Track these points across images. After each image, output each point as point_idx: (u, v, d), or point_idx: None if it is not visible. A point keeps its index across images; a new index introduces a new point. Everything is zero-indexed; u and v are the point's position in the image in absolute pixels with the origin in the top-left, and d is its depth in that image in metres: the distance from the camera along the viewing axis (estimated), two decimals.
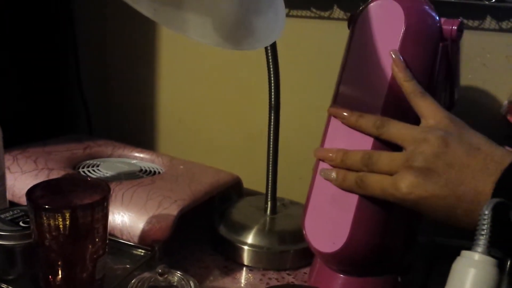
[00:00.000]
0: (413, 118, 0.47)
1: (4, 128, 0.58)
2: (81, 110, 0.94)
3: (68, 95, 0.95)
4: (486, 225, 0.35)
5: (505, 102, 0.64)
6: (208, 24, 0.45)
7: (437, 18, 0.50)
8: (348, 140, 0.49)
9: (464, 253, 0.36)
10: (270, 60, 0.60)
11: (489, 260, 0.35)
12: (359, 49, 0.51)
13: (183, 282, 0.49)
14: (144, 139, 0.93)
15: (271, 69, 0.61)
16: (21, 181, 0.64)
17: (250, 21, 0.43)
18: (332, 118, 0.52)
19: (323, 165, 0.51)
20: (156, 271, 0.48)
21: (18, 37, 0.82)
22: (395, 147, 0.46)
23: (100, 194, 0.47)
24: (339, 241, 0.49)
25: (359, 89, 0.50)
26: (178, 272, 0.49)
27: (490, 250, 0.35)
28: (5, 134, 0.58)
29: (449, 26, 0.49)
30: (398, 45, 0.48)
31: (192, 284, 0.49)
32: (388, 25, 0.49)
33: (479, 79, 0.66)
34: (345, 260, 0.51)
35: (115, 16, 0.91)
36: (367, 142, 0.48)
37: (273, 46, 0.60)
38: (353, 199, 0.48)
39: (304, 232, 0.53)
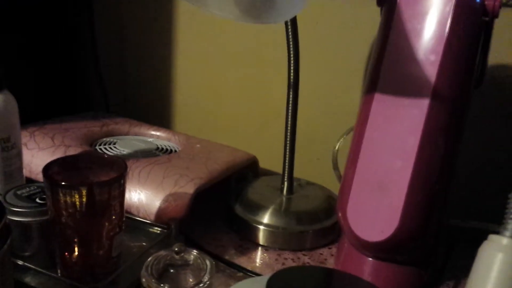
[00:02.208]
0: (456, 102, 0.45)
1: (21, 105, 0.58)
2: (97, 87, 0.94)
3: (85, 73, 0.95)
4: None
5: None
6: None
7: None
8: (395, 123, 0.48)
9: (492, 237, 0.35)
10: (290, 36, 0.59)
11: None
12: (405, 26, 0.49)
13: (199, 261, 0.49)
14: (161, 117, 0.93)
15: (291, 46, 0.59)
16: (38, 157, 0.64)
17: None
18: (375, 101, 0.50)
19: (366, 148, 0.50)
20: (173, 249, 0.48)
21: (35, 15, 0.82)
22: (445, 136, 0.44)
23: (117, 172, 0.47)
24: (388, 228, 0.47)
25: (406, 72, 0.48)
26: (194, 250, 0.49)
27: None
28: (23, 111, 0.58)
29: (492, 2, 0.48)
30: (448, 23, 0.47)
31: (208, 262, 0.48)
32: (437, 2, 0.47)
33: (507, 58, 0.64)
34: (389, 248, 0.49)
35: None
36: (417, 129, 0.46)
37: (294, 21, 0.58)
38: (404, 184, 0.47)
39: (345, 221, 0.51)
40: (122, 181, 0.46)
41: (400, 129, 0.47)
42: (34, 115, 0.74)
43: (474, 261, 0.35)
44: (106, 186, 0.45)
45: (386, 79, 0.49)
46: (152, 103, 0.94)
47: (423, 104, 0.46)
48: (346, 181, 0.51)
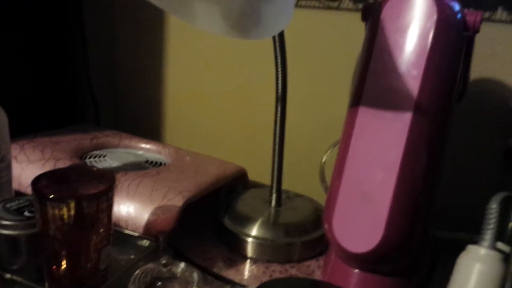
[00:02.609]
0: (438, 115, 0.46)
1: (12, 119, 0.58)
2: (89, 101, 0.94)
3: (77, 86, 0.95)
4: (493, 219, 0.34)
5: None
6: (215, 12, 0.44)
7: (460, 8, 0.50)
8: (379, 137, 0.49)
9: (470, 247, 0.36)
10: (278, 51, 0.60)
11: (495, 255, 0.34)
12: (388, 41, 0.50)
13: (186, 273, 0.49)
14: (152, 130, 0.94)
15: (279, 60, 0.60)
16: (28, 170, 0.64)
17: (258, 9, 0.42)
18: (360, 114, 0.51)
19: (351, 161, 0.50)
20: (160, 262, 0.48)
21: (27, 28, 0.82)
22: (427, 148, 0.45)
23: (106, 184, 0.47)
24: (373, 240, 0.48)
25: (389, 86, 0.49)
26: (182, 263, 0.50)
27: (496, 245, 0.35)
28: (14, 124, 0.59)
29: (473, 17, 0.50)
30: (430, 38, 0.48)
31: (195, 275, 0.49)
32: (419, 18, 0.49)
33: (489, 71, 0.66)
34: (375, 259, 0.50)
35: (123, 7, 0.91)
36: (400, 142, 0.47)
37: (281, 36, 0.59)
38: (388, 196, 0.47)
39: (330, 232, 0.51)
40: (110, 194, 0.47)
41: (384, 141, 0.48)
42: (25, 128, 0.74)
43: (453, 271, 0.36)
44: (94, 199, 0.45)
45: (370, 93, 0.50)
46: (143, 116, 0.95)
47: (406, 117, 0.47)
48: (332, 192, 0.52)
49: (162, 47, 0.89)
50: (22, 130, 0.74)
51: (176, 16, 0.45)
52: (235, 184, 0.73)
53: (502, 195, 0.35)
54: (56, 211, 0.44)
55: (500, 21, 0.64)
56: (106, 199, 0.46)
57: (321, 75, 0.76)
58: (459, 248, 0.52)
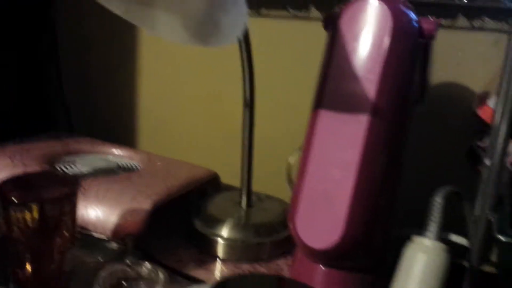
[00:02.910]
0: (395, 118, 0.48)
1: None
2: (61, 108, 0.95)
3: (49, 94, 0.95)
4: (437, 212, 0.36)
5: (476, 98, 0.65)
6: (176, 21, 0.46)
7: (415, 17, 0.52)
8: (339, 138, 0.51)
9: (415, 239, 0.37)
10: (245, 59, 0.61)
11: (440, 246, 0.36)
12: (346, 47, 0.52)
13: (152, 273, 0.50)
14: (126, 138, 0.94)
15: (245, 68, 0.62)
16: None
17: (216, 18, 0.44)
18: (321, 117, 0.52)
19: (313, 162, 0.52)
20: (125, 262, 0.49)
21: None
22: (383, 146, 0.46)
23: (69, 188, 0.48)
24: (333, 237, 0.49)
25: (348, 90, 0.51)
26: (147, 263, 0.50)
27: (441, 236, 0.36)
28: None
29: (428, 25, 0.52)
30: (387, 44, 0.49)
31: (161, 275, 0.49)
32: (374, 25, 0.50)
33: (452, 77, 0.68)
34: (337, 256, 0.51)
35: (94, 16, 0.92)
36: (357, 143, 0.49)
37: (247, 45, 0.60)
38: (346, 195, 0.49)
39: (294, 229, 0.53)
40: (73, 198, 0.47)
41: (343, 143, 0.49)
42: None
43: (399, 261, 0.37)
44: (57, 203, 0.46)
45: (330, 97, 0.52)
46: (116, 123, 0.96)
47: (363, 120, 0.49)
48: (295, 192, 0.53)
49: (134, 54, 0.90)
50: None
51: (138, 25, 0.47)
52: (207, 187, 0.74)
53: (446, 189, 0.36)
54: (19, 215, 0.45)
55: (462, 28, 0.66)
56: (69, 202, 0.47)
57: (289, 82, 0.78)
58: None
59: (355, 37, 0.51)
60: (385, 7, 0.50)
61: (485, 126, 0.58)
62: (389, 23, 0.50)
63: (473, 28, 0.65)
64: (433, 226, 0.36)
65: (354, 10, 0.52)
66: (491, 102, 0.60)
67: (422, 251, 0.36)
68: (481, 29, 0.65)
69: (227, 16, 0.45)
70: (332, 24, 0.54)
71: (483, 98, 0.62)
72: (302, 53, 0.76)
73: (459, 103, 0.68)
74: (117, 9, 0.46)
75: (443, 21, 0.67)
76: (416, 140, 0.68)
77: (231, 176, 0.81)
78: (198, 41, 0.47)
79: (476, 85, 0.67)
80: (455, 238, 0.48)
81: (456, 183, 0.68)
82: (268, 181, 0.80)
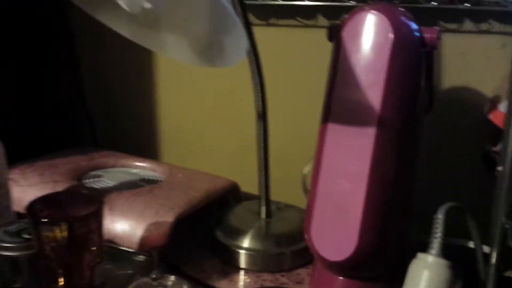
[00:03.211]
0: (403, 128, 0.49)
1: (12, 145, 0.62)
2: (86, 124, 0.98)
3: (75, 110, 0.99)
4: (439, 228, 0.37)
5: (488, 103, 0.65)
6: (183, 44, 0.48)
7: (417, 26, 0.53)
8: (347, 150, 0.52)
9: (420, 255, 0.38)
10: (255, 72, 0.63)
11: (442, 262, 0.37)
12: (349, 60, 0.53)
13: (176, 286, 0.52)
14: (147, 148, 0.97)
15: (256, 81, 0.63)
16: (28, 194, 0.67)
17: (220, 40, 0.46)
18: (329, 130, 0.54)
19: (324, 174, 0.53)
20: (150, 276, 0.51)
21: (22, 55, 0.86)
22: (393, 156, 0.47)
23: (95, 206, 0.50)
24: (348, 248, 0.50)
25: (354, 102, 0.52)
26: (172, 276, 0.52)
27: (444, 252, 0.37)
28: (13, 150, 0.62)
29: (429, 34, 0.52)
30: (388, 55, 0.50)
31: (185, 287, 0.52)
32: (376, 37, 0.51)
33: (461, 81, 0.68)
34: (353, 266, 0.52)
35: (113, 31, 0.94)
36: (367, 152, 0.50)
37: (257, 59, 0.62)
38: (359, 206, 0.50)
39: (310, 242, 0.54)
40: (99, 215, 0.50)
41: (351, 155, 0.51)
42: (25, 154, 0.78)
43: (405, 277, 0.38)
44: (84, 221, 0.48)
45: (337, 109, 0.53)
46: (139, 136, 0.98)
47: (370, 131, 0.50)
48: (309, 204, 0.55)
49: (154, 69, 0.93)
50: (23, 155, 0.78)
51: (147, 47, 0.49)
52: (227, 197, 0.75)
53: (448, 205, 0.37)
54: (50, 233, 0.47)
55: (469, 32, 0.66)
56: (96, 220, 0.49)
57: (301, 91, 0.79)
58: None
59: (358, 49, 0.52)
60: (385, 19, 0.51)
61: (498, 130, 0.59)
62: (389, 35, 0.50)
63: (480, 31, 0.66)
64: (435, 243, 0.37)
65: (355, 22, 0.53)
66: (503, 107, 0.60)
67: (425, 267, 0.37)
68: (488, 32, 0.65)
69: (230, 38, 0.47)
70: (335, 36, 0.55)
71: (494, 103, 0.62)
72: (312, 61, 0.77)
73: (469, 107, 0.69)
74: (125, 32, 0.49)
75: (450, 26, 0.67)
76: (428, 144, 0.69)
77: (251, 184, 0.83)
78: (205, 62, 0.49)
79: (485, 88, 0.67)
80: (473, 245, 0.48)
81: (471, 187, 0.69)
82: (287, 189, 0.81)
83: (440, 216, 0.37)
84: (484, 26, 0.65)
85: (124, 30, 0.51)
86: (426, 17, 0.67)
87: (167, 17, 0.49)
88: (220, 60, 0.47)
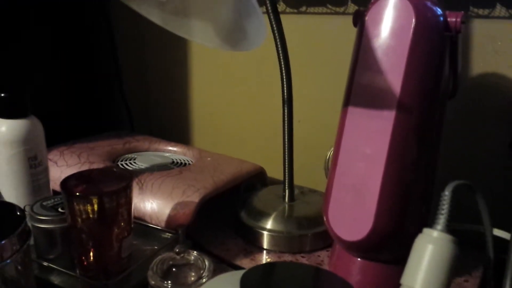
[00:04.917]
0: (423, 112, 0.50)
1: (56, 129, 0.66)
2: (123, 109, 1.03)
3: (112, 97, 1.04)
4: (446, 205, 0.38)
5: None
6: (209, 29, 0.51)
7: (441, 11, 0.53)
8: (366, 133, 0.53)
9: (425, 230, 0.39)
10: (281, 58, 0.65)
11: (447, 237, 0.38)
12: (371, 44, 0.54)
13: (199, 261, 0.55)
14: (180, 133, 1.01)
15: (282, 65, 0.65)
16: (66, 173, 0.71)
17: (243, 25, 0.48)
18: (349, 113, 0.55)
19: (343, 156, 0.55)
20: (174, 250, 0.54)
21: (63, 47, 0.91)
22: (412, 140, 0.48)
23: (124, 183, 0.54)
24: (363, 229, 0.52)
25: (374, 85, 0.53)
26: (195, 251, 0.55)
27: (449, 228, 0.38)
28: (56, 133, 0.66)
29: (454, 18, 0.52)
30: (409, 40, 0.51)
31: (206, 262, 0.54)
32: (398, 21, 0.52)
33: (491, 67, 0.68)
34: (368, 247, 0.54)
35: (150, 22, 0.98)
36: (385, 135, 0.51)
37: (283, 44, 0.64)
38: (375, 189, 0.51)
39: (327, 222, 0.56)
40: (128, 191, 0.53)
41: (370, 138, 0.52)
42: (66, 137, 0.83)
43: (410, 251, 0.40)
44: (114, 195, 0.52)
45: (357, 92, 0.54)
46: (172, 121, 1.02)
47: (389, 115, 0.51)
48: (328, 186, 0.56)
49: (188, 57, 0.96)
50: (64, 139, 0.83)
51: (177, 33, 0.52)
52: (254, 181, 0.78)
53: (456, 182, 0.38)
54: (81, 207, 0.51)
55: (499, 17, 0.66)
56: (125, 195, 0.53)
57: (330, 78, 0.80)
58: (464, 237, 0.55)
59: (379, 33, 0.53)
60: (408, 3, 0.51)
61: None
62: (412, 19, 0.51)
63: (511, 17, 0.65)
64: (441, 219, 0.38)
65: (379, 6, 0.53)
66: None
67: (430, 242, 0.38)
68: None
69: (251, 23, 0.49)
70: (359, 21, 0.56)
71: None
72: (341, 48, 0.78)
73: (499, 93, 0.68)
74: (156, 19, 0.52)
75: (481, 11, 0.67)
76: (455, 130, 0.69)
77: (279, 170, 0.85)
78: (230, 46, 0.52)
79: None
80: (496, 232, 0.49)
81: (497, 173, 0.69)
82: (313, 174, 0.83)
83: (447, 193, 0.38)
84: None
85: (155, 17, 0.54)
86: (457, 2, 0.67)
87: (194, 4, 0.52)
88: (243, 44, 0.50)
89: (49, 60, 0.90)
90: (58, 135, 0.81)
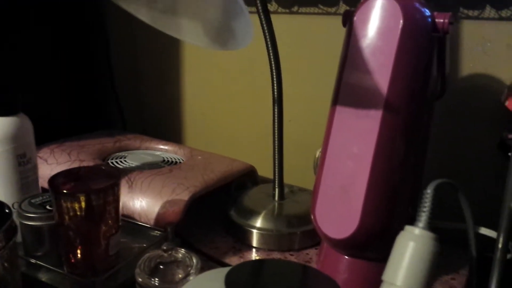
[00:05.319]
0: (410, 112, 0.50)
1: (49, 128, 0.66)
2: (116, 109, 1.03)
3: (104, 96, 1.04)
4: (427, 203, 0.38)
5: (505, 90, 0.65)
6: (198, 28, 0.51)
7: (429, 12, 0.53)
8: (353, 132, 0.53)
9: (407, 227, 0.40)
10: (272, 58, 0.65)
11: (428, 235, 0.38)
12: (359, 44, 0.54)
13: (186, 258, 0.55)
14: (172, 132, 1.01)
15: (273, 65, 0.65)
16: (56, 171, 0.71)
17: (231, 25, 0.49)
18: (337, 112, 0.55)
19: (330, 155, 0.55)
20: (162, 248, 0.54)
21: (61, 47, 0.91)
22: (400, 140, 0.48)
23: (112, 180, 0.54)
24: (349, 227, 0.52)
25: (361, 85, 0.53)
26: (183, 249, 0.55)
27: (431, 226, 0.38)
28: (49, 132, 0.66)
29: (441, 19, 0.53)
30: (397, 40, 0.51)
31: (194, 260, 0.54)
32: (386, 22, 0.52)
33: (481, 68, 0.68)
34: (355, 246, 0.54)
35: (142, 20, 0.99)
36: (372, 135, 0.52)
37: (273, 44, 0.64)
38: (362, 188, 0.51)
39: (314, 220, 0.56)
40: (116, 189, 0.53)
41: (357, 137, 0.52)
42: (57, 135, 0.83)
43: (392, 248, 0.40)
44: (101, 193, 0.52)
45: (345, 93, 0.54)
46: (164, 119, 1.02)
47: (376, 114, 0.51)
48: (316, 185, 0.56)
49: (180, 57, 0.96)
50: (55, 136, 0.83)
51: (167, 32, 0.52)
52: (245, 180, 0.78)
53: (438, 181, 0.39)
54: (69, 204, 0.51)
55: (489, 18, 0.66)
56: (112, 193, 0.53)
57: (320, 77, 0.81)
58: (450, 236, 0.55)
59: (367, 34, 0.53)
60: (395, 4, 0.51)
61: None
62: (399, 20, 0.51)
63: (501, 18, 0.66)
64: (422, 216, 0.38)
65: (367, 7, 0.54)
66: None
67: (411, 239, 0.38)
68: (509, 19, 0.65)
69: (238, 23, 0.49)
70: (348, 21, 0.56)
71: (511, 90, 0.62)
72: (332, 48, 0.78)
73: (488, 94, 0.69)
74: (145, 18, 0.52)
75: (471, 12, 0.67)
76: (445, 131, 0.69)
77: (270, 169, 0.85)
78: (218, 45, 0.52)
79: (504, 76, 0.67)
80: (484, 231, 0.49)
81: (486, 173, 0.69)
82: (303, 174, 0.83)
83: (428, 191, 0.39)
84: (505, 12, 0.65)
85: (144, 15, 0.54)
86: (447, 3, 0.67)
87: (183, 3, 0.52)
88: (231, 43, 0.50)
89: (48, 60, 0.90)
90: (50, 134, 0.81)
